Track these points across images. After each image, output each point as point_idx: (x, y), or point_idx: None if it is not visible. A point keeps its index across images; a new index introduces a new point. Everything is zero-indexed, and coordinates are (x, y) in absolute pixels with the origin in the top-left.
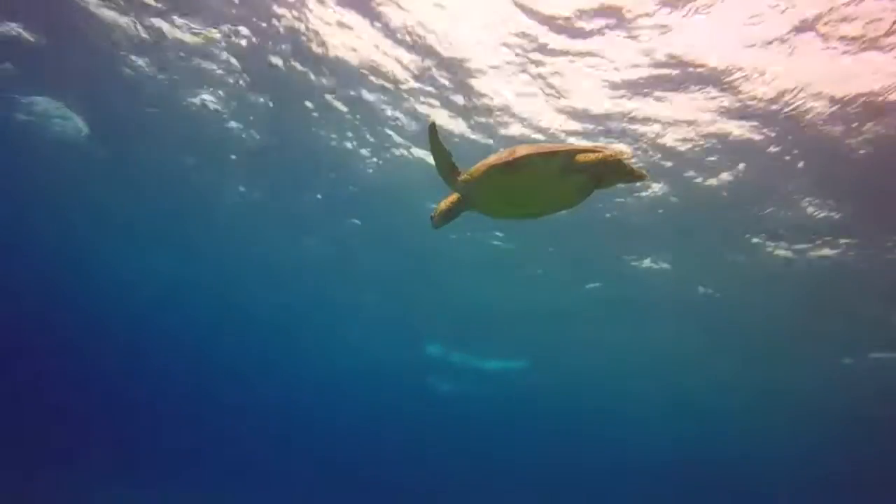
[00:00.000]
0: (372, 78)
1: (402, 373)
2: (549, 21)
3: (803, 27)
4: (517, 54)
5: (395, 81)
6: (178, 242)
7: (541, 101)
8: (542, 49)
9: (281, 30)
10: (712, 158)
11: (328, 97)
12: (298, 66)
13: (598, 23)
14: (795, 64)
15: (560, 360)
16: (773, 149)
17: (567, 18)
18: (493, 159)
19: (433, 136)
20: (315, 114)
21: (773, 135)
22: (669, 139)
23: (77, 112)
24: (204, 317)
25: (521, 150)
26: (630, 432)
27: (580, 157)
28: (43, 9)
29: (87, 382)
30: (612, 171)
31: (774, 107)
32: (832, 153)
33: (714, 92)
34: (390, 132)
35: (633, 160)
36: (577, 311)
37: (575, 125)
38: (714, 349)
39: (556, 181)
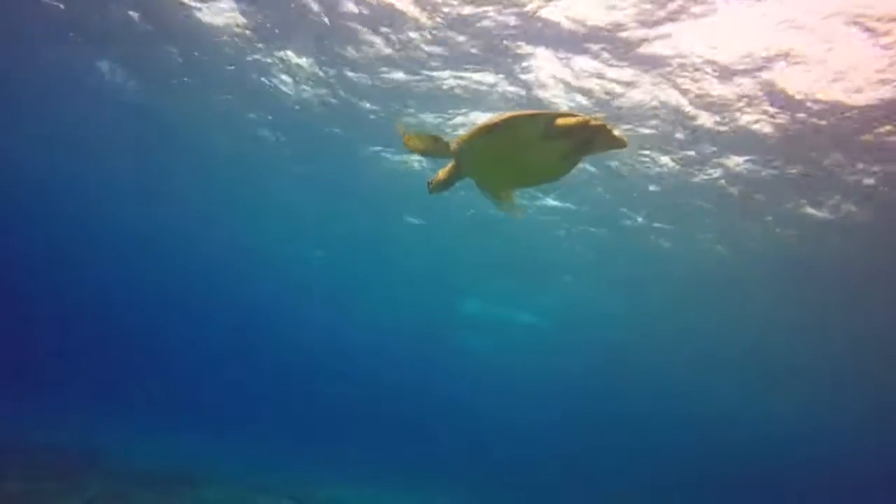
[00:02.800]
0: None
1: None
2: None
3: None
4: None
5: None
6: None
7: None
8: None
9: None
10: None
11: None
12: None
13: None
14: None
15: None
16: None
17: None
18: (480, 124)
19: (413, 145)
20: None
21: None
22: None
23: None
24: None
25: (507, 114)
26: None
27: (561, 121)
28: None
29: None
30: (593, 137)
31: None
32: None
33: None
34: None
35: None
36: None
37: None
38: None
39: (540, 145)
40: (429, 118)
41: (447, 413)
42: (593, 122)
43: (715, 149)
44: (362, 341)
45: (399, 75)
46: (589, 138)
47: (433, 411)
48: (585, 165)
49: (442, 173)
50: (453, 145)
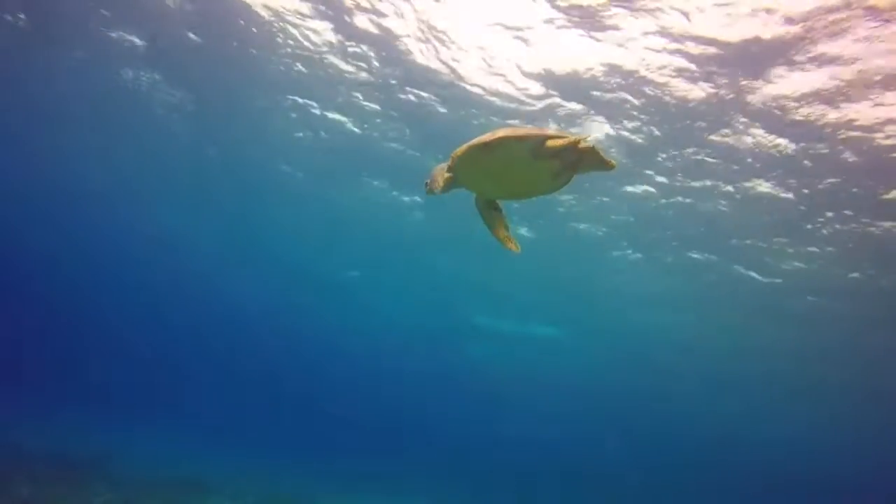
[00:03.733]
0: None
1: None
2: None
3: None
4: None
5: None
6: None
7: None
8: None
9: None
10: None
11: None
12: None
13: None
14: None
15: None
16: None
17: None
18: (474, 140)
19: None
20: None
21: None
22: None
23: None
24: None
25: (500, 133)
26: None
27: (549, 143)
28: None
29: None
30: (582, 159)
31: None
32: None
33: None
34: None
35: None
36: None
37: None
38: None
39: (530, 164)
40: None
41: (457, 425)
42: (581, 145)
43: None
44: (371, 351)
45: None
46: (577, 159)
47: (444, 424)
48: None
49: (439, 178)
50: (451, 159)
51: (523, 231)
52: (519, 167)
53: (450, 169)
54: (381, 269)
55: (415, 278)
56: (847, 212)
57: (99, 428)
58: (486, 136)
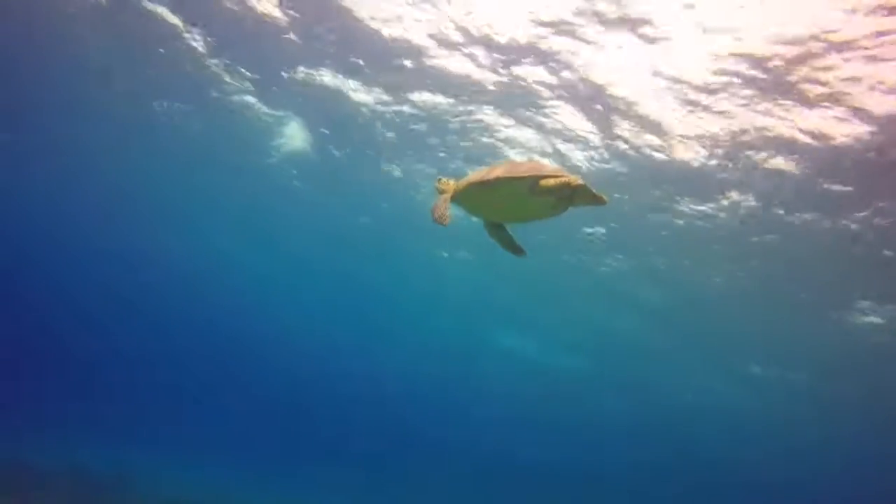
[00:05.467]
0: None
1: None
2: None
3: None
4: None
5: None
6: None
7: None
8: None
9: None
10: None
11: None
12: None
13: None
14: None
15: None
16: None
17: None
18: (474, 177)
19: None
20: None
21: None
22: None
23: None
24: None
25: (496, 172)
26: None
27: (543, 182)
28: None
29: None
30: (576, 194)
31: None
32: None
33: None
34: None
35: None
36: None
37: None
38: None
39: (527, 199)
40: None
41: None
42: (574, 183)
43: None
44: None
45: None
46: (571, 194)
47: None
48: None
49: (443, 206)
50: (452, 187)
51: None
52: (517, 201)
53: (453, 199)
54: None
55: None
56: None
57: (118, 445)
58: (484, 174)
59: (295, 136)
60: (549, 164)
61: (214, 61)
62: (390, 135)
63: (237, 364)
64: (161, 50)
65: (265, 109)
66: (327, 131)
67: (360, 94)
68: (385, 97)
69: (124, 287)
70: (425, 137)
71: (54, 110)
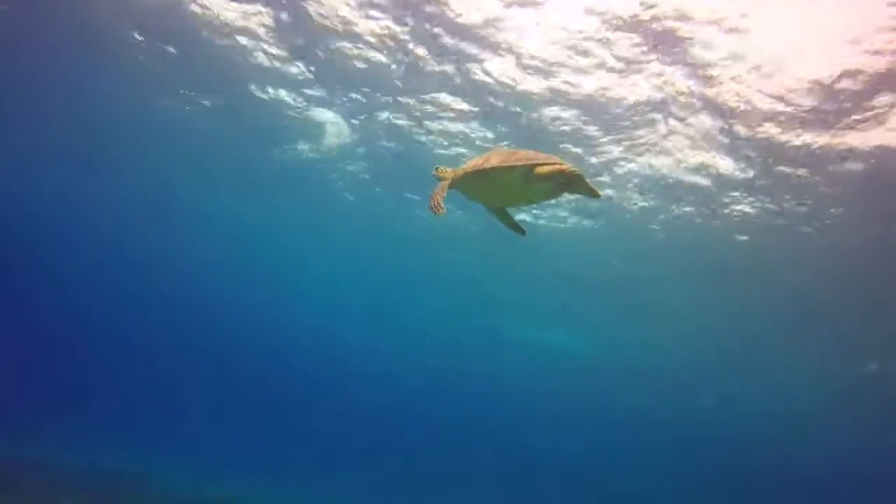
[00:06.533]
0: None
1: None
2: None
3: None
4: None
5: None
6: None
7: None
8: None
9: None
10: None
11: None
12: None
13: None
14: None
15: None
16: None
17: None
18: (470, 165)
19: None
20: None
21: None
22: None
23: None
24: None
25: (493, 160)
26: None
27: (538, 170)
28: None
29: None
30: (570, 183)
31: None
32: None
33: None
34: None
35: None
36: None
37: None
38: None
39: (522, 186)
40: None
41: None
42: (569, 171)
43: None
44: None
45: None
46: (567, 181)
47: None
48: None
49: (439, 195)
50: (450, 175)
51: None
52: (512, 188)
53: (451, 185)
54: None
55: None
56: None
57: (134, 443)
58: (482, 162)
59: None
60: (542, 153)
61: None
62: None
63: (254, 363)
64: None
65: None
66: None
67: None
68: None
69: (142, 289)
70: None
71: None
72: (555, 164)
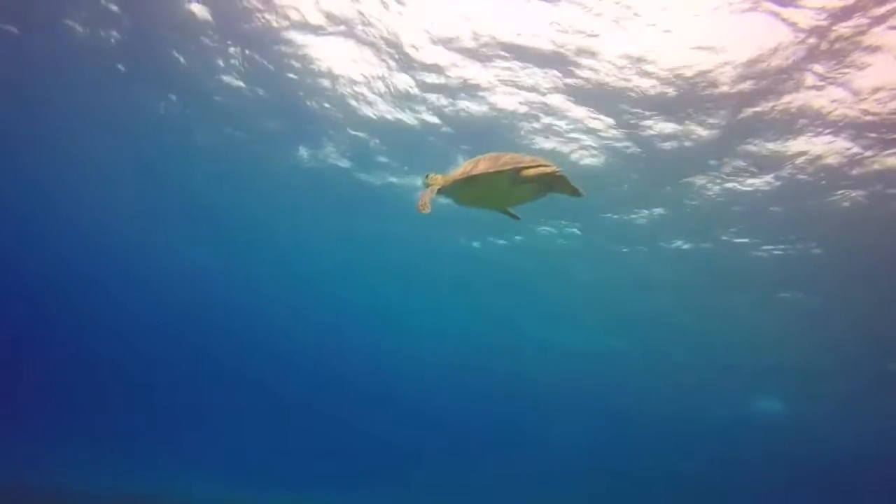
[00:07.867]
0: None
1: None
2: None
3: None
4: None
5: None
6: None
7: None
8: None
9: None
10: None
11: None
12: None
13: None
14: None
15: None
16: None
17: None
18: (459, 172)
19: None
20: None
21: None
22: None
23: None
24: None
25: (480, 166)
26: None
27: (525, 172)
28: None
29: None
30: (554, 184)
31: None
32: None
33: None
34: None
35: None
36: None
37: None
38: None
39: (509, 189)
40: None
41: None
42: (553, 173)
43: None
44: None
45: None
46: (551, 182)
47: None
48: None
49: (427, 198)
50: (440, 182)
51: None
52: (499, 192)
53: (441, 192)
54: None
55: None
56: None
57: (148, 466)
58: (469, 169)
59: None
60: (525, 156)
61: None
62: None
63: (271, 383)
64: None
65: None
66: None
67: None
68: None
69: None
70: None
71: None
72: (539, 165)
